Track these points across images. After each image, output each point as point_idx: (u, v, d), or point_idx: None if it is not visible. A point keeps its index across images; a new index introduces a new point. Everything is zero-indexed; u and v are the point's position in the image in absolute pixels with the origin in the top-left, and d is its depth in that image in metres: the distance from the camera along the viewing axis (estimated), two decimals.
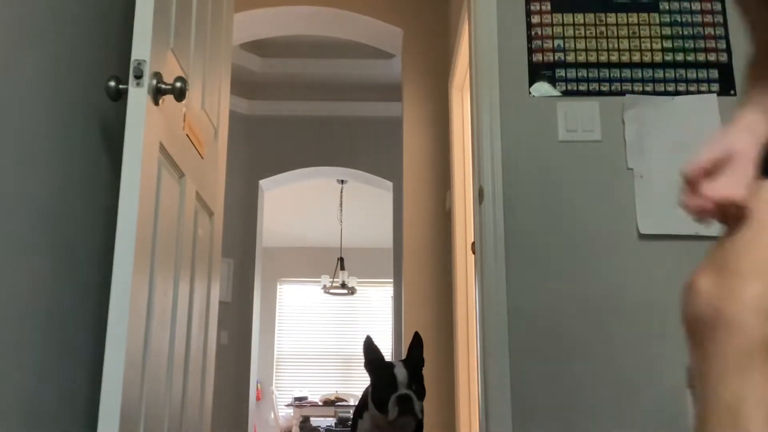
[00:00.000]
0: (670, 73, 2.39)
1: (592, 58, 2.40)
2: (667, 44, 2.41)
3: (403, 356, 2.24)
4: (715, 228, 1.95)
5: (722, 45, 2.41)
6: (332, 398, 7.76)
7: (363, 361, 2.12)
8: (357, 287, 8.45)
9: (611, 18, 2.43)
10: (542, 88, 2.38)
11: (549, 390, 2.15)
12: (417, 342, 2.13)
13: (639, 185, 2.28)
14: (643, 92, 2.36)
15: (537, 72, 2.39)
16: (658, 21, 2.43)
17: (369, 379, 2.12)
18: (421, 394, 1.99)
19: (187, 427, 1.83)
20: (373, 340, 2.11)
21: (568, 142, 2.33)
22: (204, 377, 2.04)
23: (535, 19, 2.43)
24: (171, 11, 1.64)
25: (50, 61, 1.41)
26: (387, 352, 7.92)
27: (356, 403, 2.33)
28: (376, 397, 2.00)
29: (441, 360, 3.83)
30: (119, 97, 1.46)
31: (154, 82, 1.44)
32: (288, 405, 8.24)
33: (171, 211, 1.65)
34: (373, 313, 9.72)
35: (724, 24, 2.42)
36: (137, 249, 1.35)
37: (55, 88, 1.42)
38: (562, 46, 2.41)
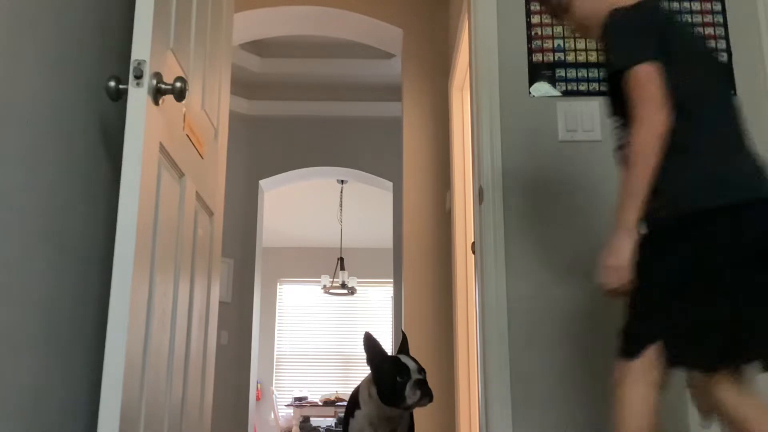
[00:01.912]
0: None
1: (592, 58, 2.40)
2: None
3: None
4: None
5: (722, 45, 2.40)
6: (332, 398, 7.76)
7: (365, 357, 2.17)
8: (357, 287, 8.44)
9: None
10: (542, 88, 2.38)
11: (549, 389, 2.15)
12: (406, 341, 2.26)
13: None
14: None
15: (537, 72, 2.39)
16: None
17: (373, 374, 2.15)
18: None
19: (187, 428, 1.83)
20: (373, 335, 2.17)
21: (568, 142, 2.33)
22: (204, 377, 2.04)
23: (535, 19, 2.43)
24: (171, 11, 1.64)
25: (50, 61, 1.41)
26: (387, 352, 7.91)
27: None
28: (388, 387, 2.04)
29: (441, 359, 3.83)
30: (119, 97, 1.46)
31: (154, 82, 1.44)
32: (288, 405, 8.24)
33: (171, 211, 1.65)
34: (373, 313, 9.72)
35: (724, 24, 2.42)
36: (137, 249, 1.35)
37: (55, 88, 1.42)
38: (562, 46, 2.41)
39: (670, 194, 1.37)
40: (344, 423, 2.25)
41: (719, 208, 1.33)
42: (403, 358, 2.08)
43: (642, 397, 1.34)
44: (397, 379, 2.01)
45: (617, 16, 1.48)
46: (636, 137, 1.37)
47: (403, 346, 2.24)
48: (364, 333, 2.17)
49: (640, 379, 1.35)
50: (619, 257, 1.37)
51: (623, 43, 1.45)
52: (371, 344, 2.13)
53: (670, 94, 1.38)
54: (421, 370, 2.07)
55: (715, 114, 1.42)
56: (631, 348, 1.38)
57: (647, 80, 1.38)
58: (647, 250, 1.38)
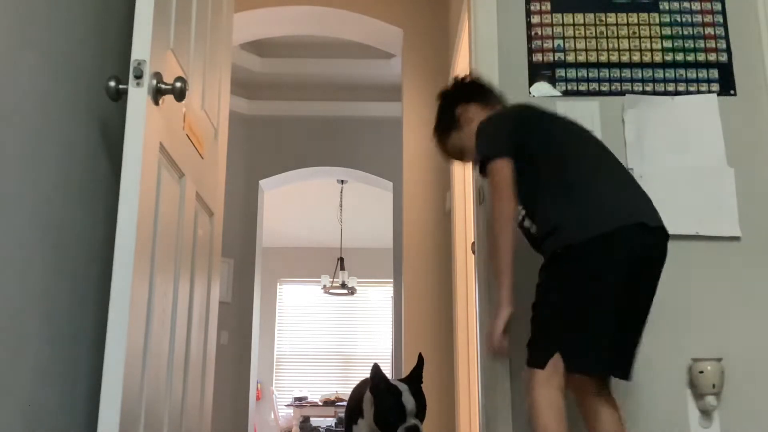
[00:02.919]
0: (670, 73, 2.39)
1: (592, 58, 2.40)
2: (667, 44, 2.41)
3: (404, 367, 2.27)
4: (712, 228, 1.97)
5: (722, 45, 2.41)
6: (332, 398, 7.76)
7: (370, 385, 2.16)
8: (357, 287, 8.44)
9: (611, 18, 2.43)
10: (542, 88, 2.38)
11: None
12: (421, 364, 2.20)
13: None
14: (643, 92, 2.36)
15: (537, 72, 2.39)
16: (658, 21, 2.43)
17: (373, 399, 2.14)
18: (423, 418, 2.09)
19: (187, 427, 1.83)
20: (381, 368, 2.17)
21: None
22: (204, 377, 2.04)
23: (535, 19, 2.43)
24: (171, 11, 1.64)
25: (50, 61, 1.41)
26: (387, 352, 7.92)
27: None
28: (382, 421, 2.07)
29: (441, 360, 3.83)
30: (119, 97, 1.46)
31: (154, 82, 1.44)
32: (288, 405, 8.24)
33: (171, 211, 1.65)
34: (373, 313, 9.72)
35: (724, 24, 2.42)
36: (137, 249, 1.35)
37: (55, 88, 1.42)
38: (562, 46, 2.41)
39: (562, 232, 1.66)
40: (347, 429, 2.27)
41: (597, 237, 1.63)
42: (405, 396, 2.04)
43: (551, 399, 1.59)
44: (390, 420, 2.03)
45: (482, 124, 1.88)
46: (492, 224, 1.74)
47: (415, 371, 2.19)
48: (372, 365, 2.17)
49: (547, 384, 1.61)
50: (494, 328, 1.74)
51: (482, 143, 1.84)
52: (377, 376, 2.13)
53: (557, 167, 1.74)
54: (419, 412, 2.05)
55: (590, 172, 1.75)
56: (537, 359, 1.64)
57: (497, 173, 1.75)
58: (545, 276, 1.70)
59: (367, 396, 2.18)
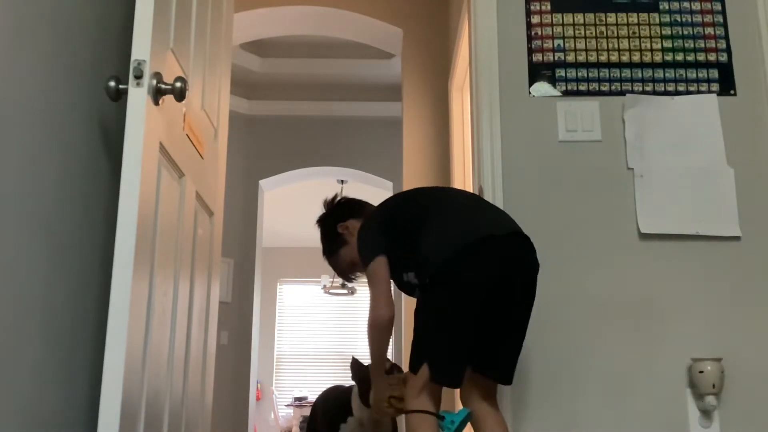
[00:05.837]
0: (670, 73, 2.39)
1: (592, 58, 2.40)
2: (667, 44, 2.41)
3: (404, 367, 2.44)
4: (712, 228, 1.96)
5: (722, 45, 2.40)
6: None
7: (351, 375, 2.34)
8: (357, 287, 8.44)
9: (611, 18, 2.43)
10: (542, 88, 2.38)
11: (548, 389, 2.15)
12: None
13: (639, 185, 2.27)
14: (643, 92, 2.36)
15: (537, 72, 2.39)
16: (658, 21, 2.43)
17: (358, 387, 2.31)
18: None
19: (188, 427, 1.84)
20: (359, 360, 2.36)
21: (568, 142, 2.33)
22: (204, 377, 2.04)
23: (535, 19, 2.43)
24: (171, 11, 1.64)
25: (50, 61, 1.41)
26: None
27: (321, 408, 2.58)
28: (369, 398, 2.19)
29: None
30: (119, 97, 1.46)
31: (154, 82, 1.44)
32: (288, 405, 8.24)
33: (171, 211, 1.65)
34: None
35: (724, 24, 2.42)
36: (137, 249, 1.36)
37: (55, 88, 1.43)
38: (562, 46, 2.41)
39: (430, 260, 1.78)
40: (334, 428, 2.32)
41: (454, 254, 1.76)
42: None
43: (422, 403, 1.72)
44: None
45: (358, 234, 2.01)
46: (370, 321, 1.92)
47: (388, 360, 2.36)
48: (351, 359, 2.36)
49: (419, 390, 1.73)
50: (376, 399, 2.00)
51: (360, 252, 1.96)
52: (358, 366, 2.30)
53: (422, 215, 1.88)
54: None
55: (446, 215, 1.89)
56: (412, 365, 1.77)
57: (374, 275, 1.89)
58: (420, 299, 1.84)
59: (355, 391, 2.30)
